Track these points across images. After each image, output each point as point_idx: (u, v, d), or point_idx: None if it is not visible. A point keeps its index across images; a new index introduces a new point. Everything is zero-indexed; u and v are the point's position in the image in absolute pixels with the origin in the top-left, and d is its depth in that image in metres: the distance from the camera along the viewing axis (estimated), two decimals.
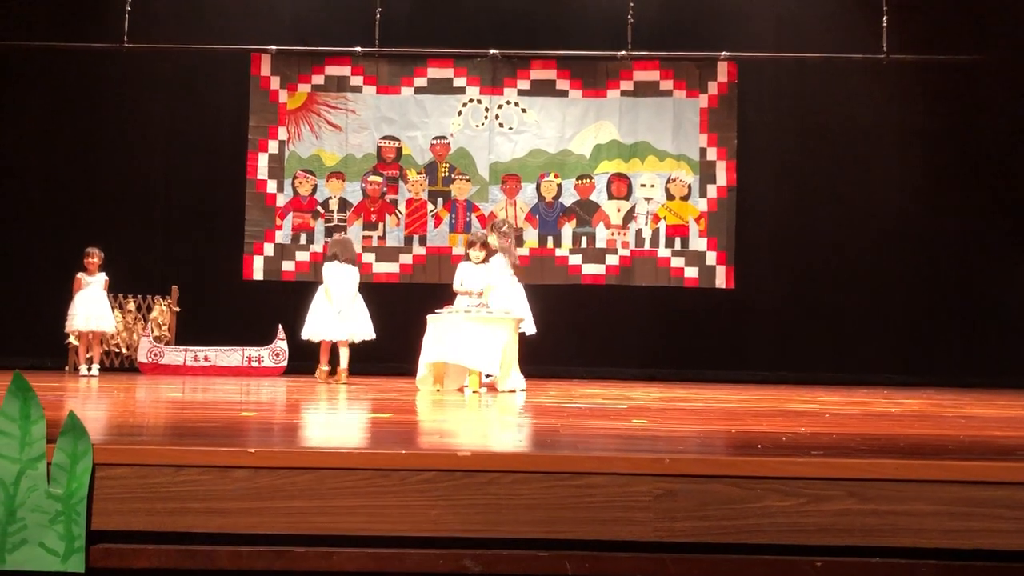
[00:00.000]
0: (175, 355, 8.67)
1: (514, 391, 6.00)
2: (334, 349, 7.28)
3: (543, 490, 2.07)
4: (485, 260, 6.66)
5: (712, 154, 9.64)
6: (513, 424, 3.46)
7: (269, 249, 9.49)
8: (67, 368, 8.55)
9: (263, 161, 9.58)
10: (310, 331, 7.15)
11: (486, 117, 9.68)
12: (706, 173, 9.63)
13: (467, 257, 6.74)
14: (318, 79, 9.68)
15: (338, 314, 7.07)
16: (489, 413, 4.05)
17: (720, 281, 9.50)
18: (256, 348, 8.72)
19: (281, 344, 8.75)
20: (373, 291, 9.43)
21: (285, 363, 8.73)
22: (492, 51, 9.37)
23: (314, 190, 9.61)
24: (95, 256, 8.13)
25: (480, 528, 2.07)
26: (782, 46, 9.44)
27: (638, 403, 4.86)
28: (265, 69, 9.64)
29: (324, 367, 7.25)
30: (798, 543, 2.05)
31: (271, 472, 2.10)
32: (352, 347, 7.23)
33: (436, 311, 6.25)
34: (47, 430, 2.14)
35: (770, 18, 9.66)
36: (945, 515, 2.07)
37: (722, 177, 9.61)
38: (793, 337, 9.41)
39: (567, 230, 9.60)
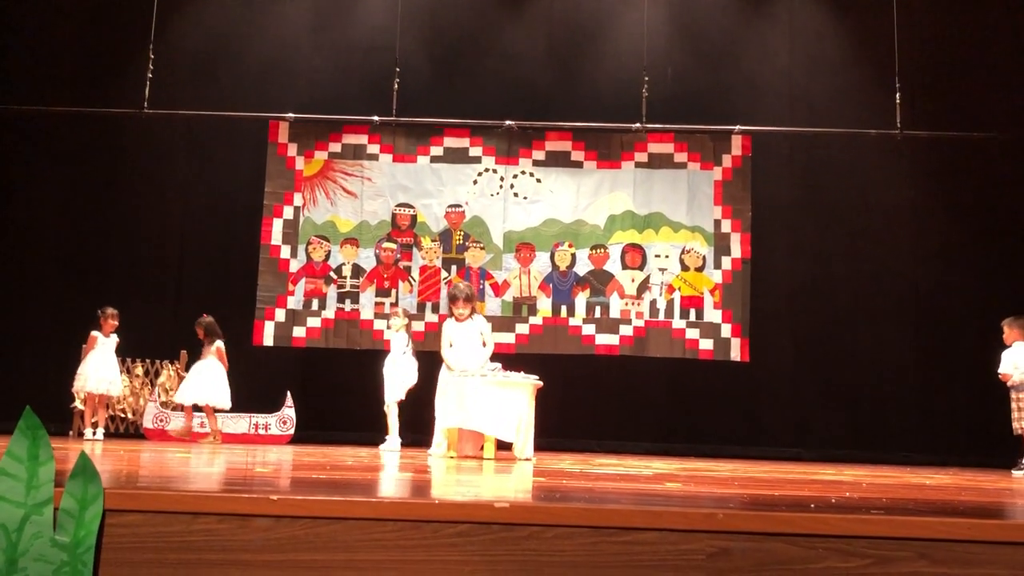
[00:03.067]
0: (181, 421, 8.50)
1: (529, 459, 5.82)
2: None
3: (588, 546, 1.91)
4: (470, 316, 6.52)
5: (726, 226, 9.61)
6: (542, 483, 3.29)
7: (280, 315, 9.40)
8: (71, 432, 8.38)
9: (278, 227, 9.57)
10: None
11: (501, 186, 9.70)
12: (720, 245, 9.58)
13: (451, 314, 6.58)
14: (335, 147, 9.74)
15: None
16: (513, 475, 3.88)
17: (735, 354, 9.35)
18: (263, 415, 8.55)
19: (289, 411, 8.59)
20: (383, 358, 9.32)
21: (292, 431, 8.55)
22: (508, 122, 9.44)
23: (328, 256, 9.57)
24: (113, 317, 8.03)
25: None
26: (795, 120, 9.50)
27: (662, 471, 4.68)
28: (283, 136, 9.71)
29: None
30: None
31: (294, 522, 1.96)
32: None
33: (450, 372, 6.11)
34: (55, 475, 2.01)
35: (783, 93, 9.75)
36: None
37: (736, 249, 9.55)
38: (809, 413, 9.22)
39: (581, 300, 9.51)
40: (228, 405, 8.14)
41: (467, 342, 6.41)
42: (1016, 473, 7.03)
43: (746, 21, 9.93)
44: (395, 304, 8.92)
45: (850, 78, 9.66)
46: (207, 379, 8.03)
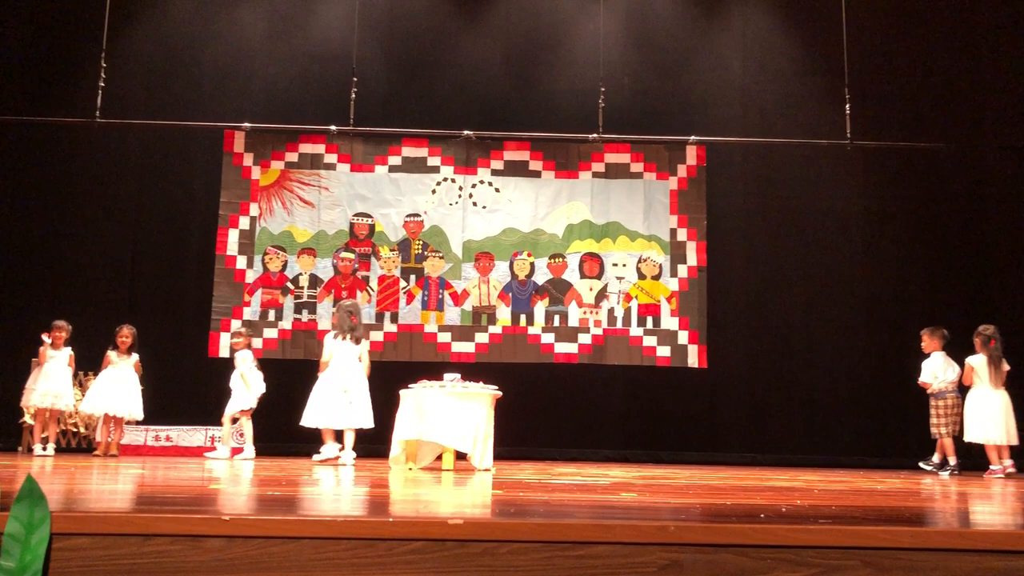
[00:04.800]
0: (135, 435, 8.36)
1: (488, 469, 5.82)
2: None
3: (542, 561, 1.93)
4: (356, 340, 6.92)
5: (682, 235, 9.71)
6: (499, 496, 3.30)
7: (237, 326, 9.29)
8: (20, 448, 8.19)
9: (233, 237, 9.48)
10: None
11: (460, 196, 9.70)
12: (676, 253, 9.68)
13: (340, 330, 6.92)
14: (292, 156, 9.67)
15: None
16: (471, 488, 3.89)
17: (692, 360, 9.45)
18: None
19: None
20: None
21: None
22: (466, 132, 9.45)
23: (284, 266, 9.50)
24: (62, 330, 7.89)
25: None
26: (749, 130, 9.64)
27: (620, 480, 4.71)
28: (238, 146, 9.62)
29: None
30: None
31: (247, 542, 1.94)
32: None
33: (410, 386, 6.10)
34: (1, 499, 1.97)
35: (737, 103, 9.89)
36: None
37: (692, 257, 9.66)
38: (766, 418, 9.35)
39: (540, 308, 9.54)
40: (141, 416, 8.05)
41: (345, 357, 6.84)
42: (923, 465, 7.35)
43: (700, 32, 10.06)
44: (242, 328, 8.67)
45: (802, 88, 9.83)
46: (122, 389, 7.89)
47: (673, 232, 9.72)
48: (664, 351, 9.48)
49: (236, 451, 7.92)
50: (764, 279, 9.62)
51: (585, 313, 9.54)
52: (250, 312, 9.35)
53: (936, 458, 7.61)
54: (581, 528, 1.97)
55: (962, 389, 7.67)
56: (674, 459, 8.82)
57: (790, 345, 9.47)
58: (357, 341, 6.92)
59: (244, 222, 9.52)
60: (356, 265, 9.53)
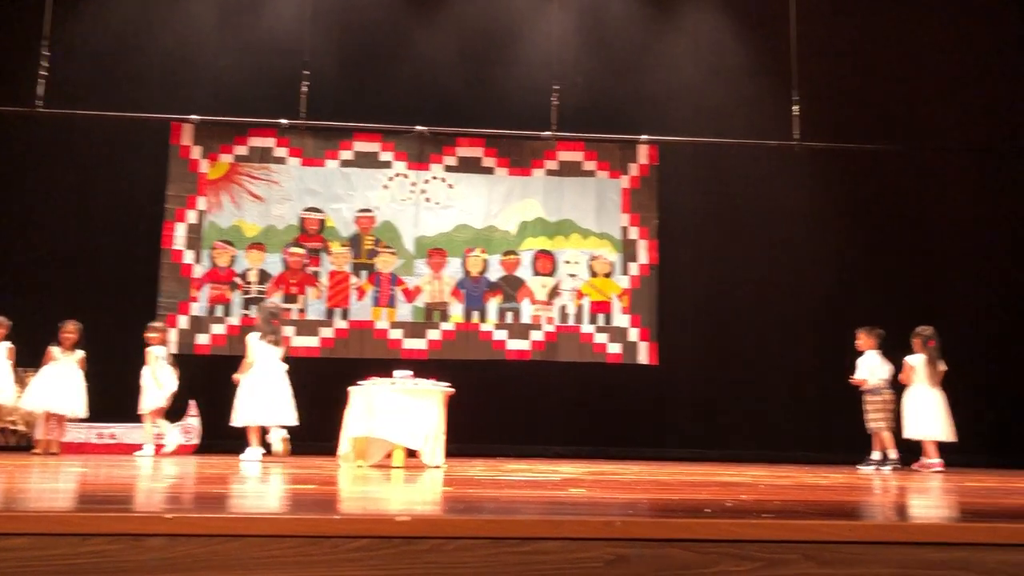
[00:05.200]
0: (77, 432, 8.18)
1: (439, 467, 5.81)
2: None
3: (489, 557, 1.93)
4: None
5: (634, 233, 9.79)
6: (448, 493, 3.30)
7: (184, 322, 9.15)
8: None
9: (180, 231, 9.32)
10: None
11: (412, 191, 9.66)
12: (628, 251, 9.76)
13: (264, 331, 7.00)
14: (241, 150, 9.54)
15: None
16: (420, 485, 3.87)
17: (643, 357, 9.53)
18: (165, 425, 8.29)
19: (192, 421, 8.36)
20: (292, 366, 9.16)
21: (196, 441, 8.32)
22: (420, 127, 9.40)
23: (233, 261, 9.36)
24: (1, 325, 7.69)
25: None
26: (700, 130, 9.73)
27: (570, 476, 4.74)
28: (186, 138, 9.46)
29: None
30: None
31: (189, 540, 1.91)
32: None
33: (360, 383, 6.05)
34: None
35: (688, 104, 9.99)
36: None
37: (644, 256, 9.75)
38: (714, 414, 9.47)
39: (493, 305, 9.55)
40: (85, 414, 7.89)
41: (271, 359, 7.01)
42: (862, 468, 7.53)
43: (652, 32, 10.15)
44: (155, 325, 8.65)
45: (751, 89, 9.96)
46: (65, 386, 7.72)
47: (625, 230, 9.80)
48: (615, 348, 9.55)
49: (160, 448, 7.80)
50: (713, 278, 9.74)
51: (538, 310, 9.57)
52: (197, 308, 9.21)
53: (876, 455, 7.79)
54: (529, 524, 1.97)
55: (897, 387, 7.89)
56: (624, 455, 8.89)
57: (738, 342, 9.60)
58: (278, 344, 7.08)
59: (191, 216, 9.36)
60: (306, 261, 9.44)
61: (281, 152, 9.58)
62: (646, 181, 9.88)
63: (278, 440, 6.75)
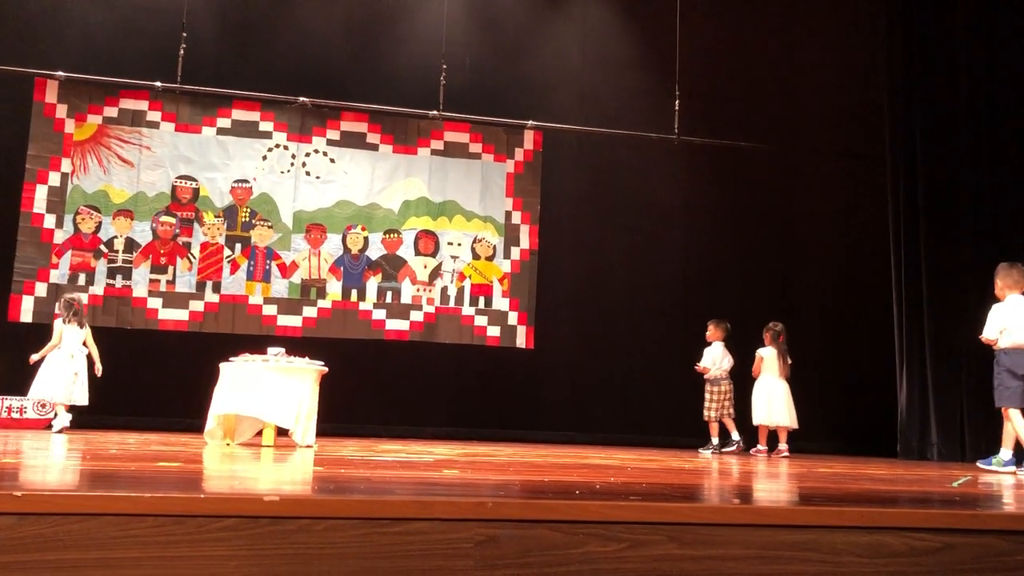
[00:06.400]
0: None
1: (311, 446, 5.71)
2: None
3: (359, 538, 1.91)
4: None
5: (517, 217, 9.86)
6: (319, 473, 3.25)
7: (42, 289, 8.64)
8: None
9: (41, 193, 8.78)
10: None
11: (292, 164, 9.41)
12: (511, 236, 9.83)
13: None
14: (111, 111, 9.06)
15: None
16: (290, 464, 3.80)
17: (520, 341, 9.64)
18: (18, 398, 7.84)
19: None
20: (157, 339, 8.84)
21: (52, 415, 7.89)
22: (302, 99, 9.16)
23: (98, 228, 8.90)
24: None
25: None
26: (585, 119, 9.88)
27: (443, 457, 4.75)
28: (51, 96, 8.91)
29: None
30: None
31: (40, 519, 1.82)
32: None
33: (231, 359, 5.88)
34: None
35: (574, 92, 10.12)
36: (756, 559, 2.10)
37: (525, 240, 9.84)
38: (587, 398, 9.67)
39: (372, 284, 9.43)
40: None
41: (74, 340, 7.26)
42: (703, 452, 7.99)
43: (542, 19, 10.21)
44: None
45: (636, 81, 10.16)
46: None
47: (508, 215, 9.85)
48: (494, 331, 9.61)
49: (37, 423, 7.47)
50: (591, 265, 9.93)
51: (418, 291, 9.52)
52: (58, 275, 8.72)
53: (715, 440, 8.24)
54: (400, 505, 1.97)
55: (747, 378, 8.32)
56: (499, 437, 8.97)
57: (612, 329, 9.83)
58: (82, 326, 7.34)
59: (54, 178, 8.84)
60: (177, 230, 9.07)
61: (154, 116, 9.15)
62: (530, 167, 9.96)
63: (63, 419, 7.02)
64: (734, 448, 8.18)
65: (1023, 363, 5.79)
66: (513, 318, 9.66)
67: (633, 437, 9.30)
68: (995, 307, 6.05)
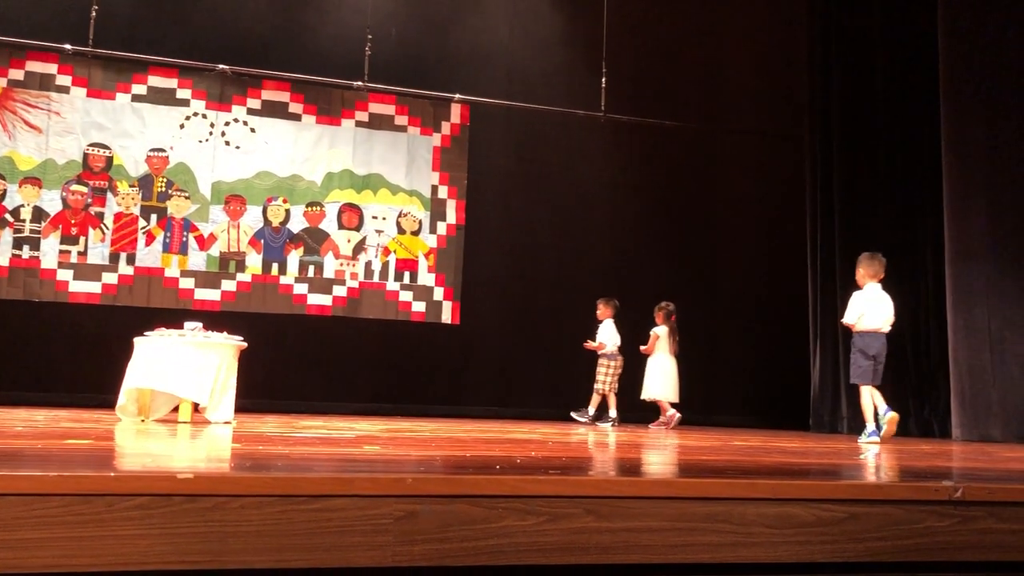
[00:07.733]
0: None
1: (229, 422, 5.60)
2: None
3: (276, 515, 1.88)
4: None
5: (443, 192, 9.81)
6: (236, 450, 3.19)
7: None
8: None
9: None
10: None
11: (211, 133, 9.16)
12: (437, 210, 9.77)
13: None
14: (16, 73, 8.66)
15: None
16: (205, 441, 3.73)
17: (446, 316, 9.62)
18: None
19: None
20: (68, 312, 8.56)
21: None
22: (221, 66, 8.91)
23: (3, 195, 8.53)
24: None
25: (200, 560, 1.84)
26: (512, 94, 9.86)
27: (365, 433, 4.72)
28: None
29: None
30: (538, 563, 2.02)
31: None
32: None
33: (145, 333, 5.71)
34: None
35: (501, 67, 10.08)
36: (671, 531, 2.14)
37: (452, 215, 9.79)
38: (511, 374, 9.73)
39: (293, 258, 9.28)
40: None
41: None
42: (601, 424, 8.22)
43: None
44: None
45: (563, 58, 10.17)
46: None
47: (434, 189, 9.79)
48: (419, 307, 9.57)
49: None
50: (517, 241, 9.95)
51: (342, 265, 9.40)
52: None
53: (592, 411, 8.48)
54: (319, 482, 1.95)
55: (638, 354, 8.46)
56: (422, 412, 8.96)
57: (537, 305, 9.89)
58: None
59: None
60: (89, 200, 8.76)
61: (64, 80, 8.78)
62: (457, 140, 9.90)
63: None
64: (610, 424, 8.30)
65: (875, 345, 6.25)
66: (439, 293, 9.63)
67: (558, 412, 9.39)
68: (855, 294, 6.46)
